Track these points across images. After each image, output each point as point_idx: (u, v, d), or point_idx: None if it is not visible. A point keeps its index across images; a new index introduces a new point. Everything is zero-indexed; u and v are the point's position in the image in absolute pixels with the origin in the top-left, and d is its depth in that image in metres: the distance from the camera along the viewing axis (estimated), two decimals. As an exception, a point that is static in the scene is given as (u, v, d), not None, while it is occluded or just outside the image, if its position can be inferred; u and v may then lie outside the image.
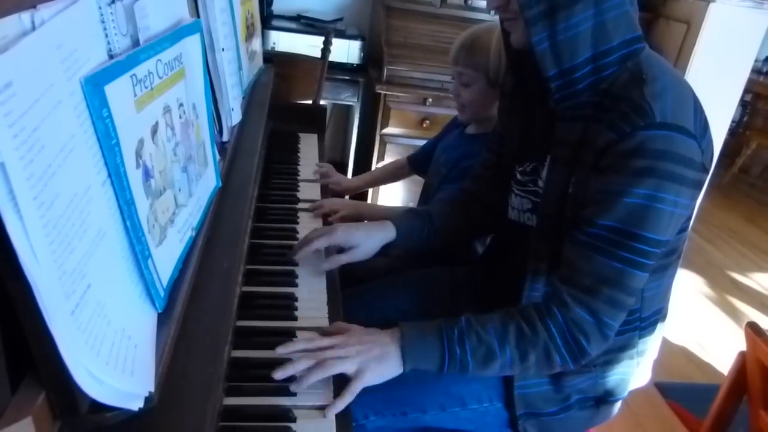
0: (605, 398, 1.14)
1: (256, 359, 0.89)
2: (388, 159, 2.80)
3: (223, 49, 1.23)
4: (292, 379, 0.85)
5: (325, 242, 1.16)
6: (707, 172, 0.95)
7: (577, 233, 0.94)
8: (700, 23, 2.78)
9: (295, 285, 1.10)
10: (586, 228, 0.92)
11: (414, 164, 1.78)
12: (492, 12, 1.03)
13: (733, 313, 2.98)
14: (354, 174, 3.06)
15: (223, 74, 1.22)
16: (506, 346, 0.92)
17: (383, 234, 1.22)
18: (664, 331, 1.20)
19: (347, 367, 0.87)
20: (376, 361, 0.90)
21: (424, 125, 2.73)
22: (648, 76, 0.91)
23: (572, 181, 0.98)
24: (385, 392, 1.08)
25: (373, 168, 2.82)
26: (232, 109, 1.24)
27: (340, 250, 1.21)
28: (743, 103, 4.95)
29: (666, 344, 2.63)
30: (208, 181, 0.92)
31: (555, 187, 1.02)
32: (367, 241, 1.19)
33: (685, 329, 2.76)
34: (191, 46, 0.89)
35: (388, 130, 2.76)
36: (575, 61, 0.93)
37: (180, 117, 0.80)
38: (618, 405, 1.19)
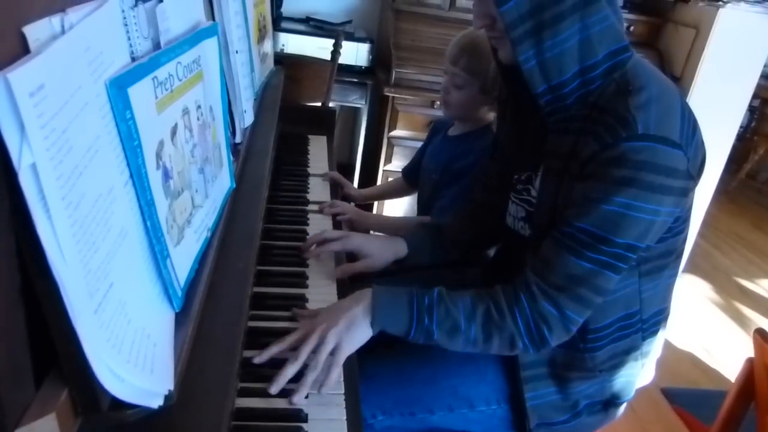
0: (613, 401, 1.16)
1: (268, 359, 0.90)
2: (396, 162, 2.81)
3: (237, 52, 1.24)
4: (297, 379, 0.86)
5: (340, 246, 1.19)
6: (694, 178, 0.96)
7: (555, 231, 0.96)
8: (709, 28, 2.77)
9: (306, 286, 1.11)
10: (563, 227, 0.94)
11: (407, 177, 1.77)
12: (479, 30, 1.03)
13: (740, 319, 2.98)
14: (361, 177, 3.07)
15: (237, 76, 1.23)
16: (472, 324, 0.95)
17: (395, 248, 1.25)
18: (666, 331, 1.20)
19: (327, 349, 0.89)
20: (345, 330, 0.91)
21: (432, 128, 2.74)
22: (633, 87, 0.92)
23: (561, 192, 0.99)
24: (394, 392, 1.09)
25: (380, 171, 2.83)
26: (245, 111, 1.25)
27: (351, 257, 1.23)
28: (751, 109, 4.93)
29: (672, 349, 2.64)
30: (223, 183, 0.93)
31: (547, 197, 1.03)
32: (380, 253, 1.22)
33: (692, 335, 2.76)
34: (209, 48, 0.89)
35: (395, 133, 2.76)
36: (563, 77, 0.94)
37: (198, 119, 0.81)
38: (624, 405, 1.20)
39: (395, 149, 2.79)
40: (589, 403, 1.13)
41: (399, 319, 0.95)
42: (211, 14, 1.13)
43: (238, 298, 0.81)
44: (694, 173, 0.95)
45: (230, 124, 1.18)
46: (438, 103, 2.68)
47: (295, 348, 0.89)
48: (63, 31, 0.49)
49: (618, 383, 1.13)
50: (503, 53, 1.02)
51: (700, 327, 2.81)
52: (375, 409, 1.07)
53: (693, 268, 3.35)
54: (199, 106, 0.82)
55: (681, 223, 1.02)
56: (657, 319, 1.12)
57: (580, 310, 0.95)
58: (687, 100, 2.88)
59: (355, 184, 3.08)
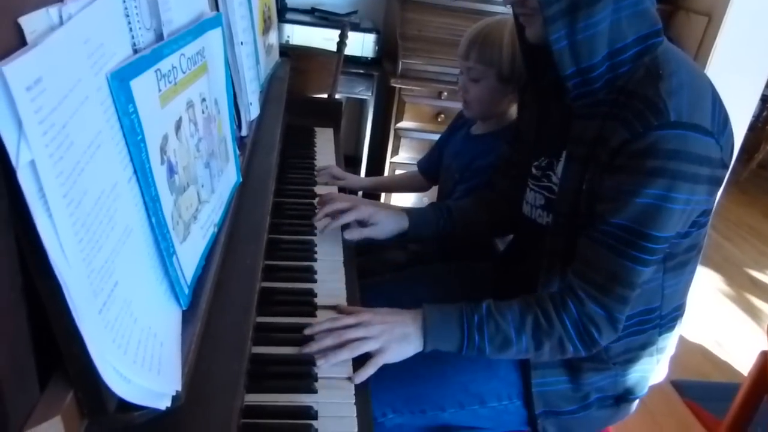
0: (625, 396, 1.13)
1: (275, 355, 0.89)
2: (403, 153, 2.79)
3: (242, 43, 1.22)
4: (313, 377, 0.86)
5: (353, 216, 1.22)
6: (727, 167, 0.94)
7: (592, 230, 0.94)
8: (721, 16, 2.73)
9: (314, 281, 1.09)
10: (600, 225, 0.93)
11: (424, 172, 1.71)
12: (508, 5, 1.01)
13: (752, 311, 2.95)
14: (368, 168, 3.05)
15: (242, 68, 1.21)
16: (522, 335, 0.96)
17: (399, 220, 1.26)
18: (681, 327, 1.18)
19: (371, 346, 0.92)
20: (397, 340, 0.94)
21: (439, 119, 2.72)
22: (664, 72, 0.90)
23: (586, 178, 0.97)
24: (404, 389, 1.08)
25: (387, 163, 2.80)
26: (251, 104, 1.24)
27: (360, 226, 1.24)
28: (763, 98, 4.86)
29: (683, 342, 2.61)
30: (230, 177, 0.92)
31: (570, 184, 1.01)
32: (386, 221, 1.24)
33: (703, 327, 2.73)
34: (213, 40, 0.88)
35: (402, 124, 2.74)
36: (593, 60, 0.92)
37: (203, 112, 0.80)
38: (637, 402, 1.18)
39: (402, 141, 2.77)
40: (601, 397, 1.11)
41: (450, 339, 0.97)
42: (215, 5, 1.11)
43: (246, 295, 0.79)
44: (727, 161, 0.93)
45: (236, 117, 1.16)
46: (445, 94, 2.66)
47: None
48: (61, 23, 0.47)
49: (632, 378, 1.11)
50: (532, 31, 1.00)
51: (712, 319, 2.77)
52: (385, 407, 1.06)
53: (704, 259, 3.27)
54: (203, 99, 0.81)
55: (706, 215, 1.00)
56: (675, 314, 1.10)
57: (622, 309, 0.95)
58: None
59: (363, 175, 3.06)
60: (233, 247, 0.85)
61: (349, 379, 0.88)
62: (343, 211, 1.23)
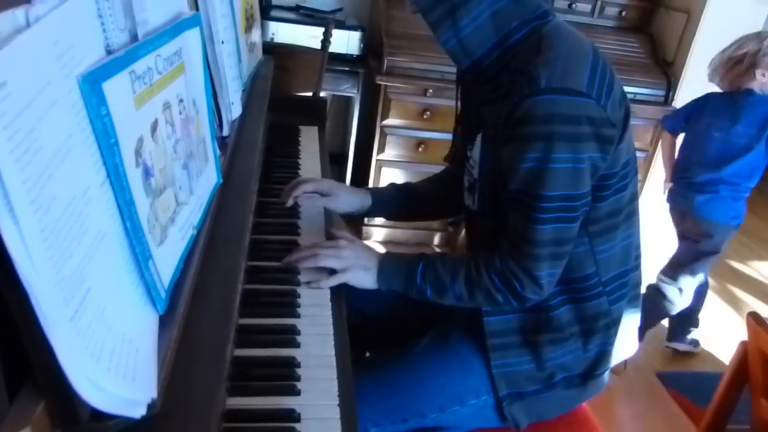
0: (591, 373, 1.15)
1: (258, 358, 0.88)
2: (389, 151, 2.78)
3: (222, 42, 1.21)
4: (296, 378, 0.86)
5: (313, 187, 1.29)
6: (618, 127, 0.99)
7: (505, 198, 1.04)
8: (700, 13, 2.78)
9: (297, 283, 1.08)
10: (505, 194, 1.02)
11: None
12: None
13: (734, 302, 2.98)
14: (354, 166, 3.03)
15: (223, 67, 1.20)
16: (456, 283, 1.06)
17: (362, 199, 1.34)
18: (639, 303, 1.22)
19: (337, 263, 1.08)
20: (360, 269, 1.09)
21: (425, 116, 2.71)
22: (544, 47, 0.97)
23: (497, 159, 1.04)
24: (383, 403, 1.09)
25: (373, 160, 2.79)
26: (233, 103, 1.22)
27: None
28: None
29: (664, 333, 2.64)
30: (209, 178, 0.90)
31: (487, 165, 1.07)
32: (347, 197, 1.32)
33: None
34: (191, 39, 0.86)
35: (388, 122, 2.73)
36: (483, 50, 1.01)
37: (180, 113, 0.79)
38: (606, 376, 1.20)
39: (388, 138, 2.76)
40: (566, 377, 1.13)
41: (398, 280, 1.09)
42: (195, 4, 1.10)
43: (227, 298, 0.78)
44: (616, 121, 0.98)
45: (217, 117, 1.15)
46: (431, 91, 2.66)
47: None
48: (28, 25, 0.46)
49: (593, 353, 1.13)
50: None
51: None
52: (366, 423, 1.06)
53: None
54: (181, 100, 0.79)
55: (620, 179, 1.04)
56: (620, 282, 1.12)
57: (538, 265, 1.00)
58: (679, 84, 2.88)
59: (349, 173, 3.05)
60: (213, 249, 0.84)
61: (309, 283, 1.06)
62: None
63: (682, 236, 2.36)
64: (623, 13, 3.02)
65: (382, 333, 1.37)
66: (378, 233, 2.95)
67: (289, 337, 0.92)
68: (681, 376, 2.41)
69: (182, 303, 0.69)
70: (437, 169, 1.45)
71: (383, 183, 2.80)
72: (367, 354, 1.56)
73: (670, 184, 2.36)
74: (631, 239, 1.13)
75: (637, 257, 1.18)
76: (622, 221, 1.09)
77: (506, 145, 0.99)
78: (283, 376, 0.85)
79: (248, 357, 0.86)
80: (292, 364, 0.87)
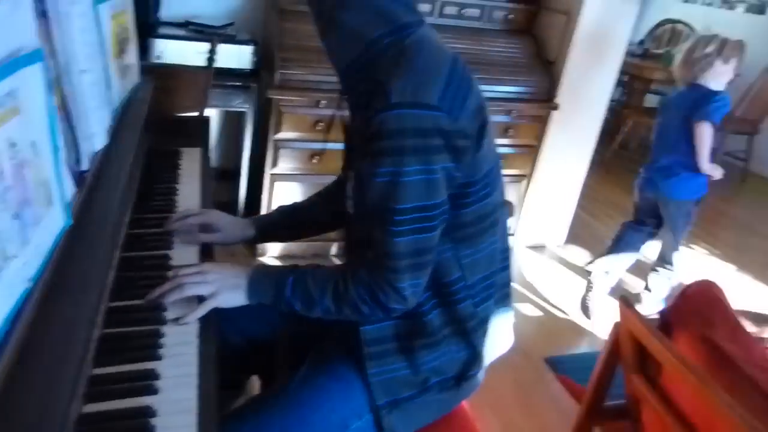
0: (464, 374, 1.18)
1: (108, 412, 0.82)
2: (282, 164, 2.74)
3: (84, 71, 1.16)
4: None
5: (199, 220, 1.31)
6: (470, 137, 1.01)
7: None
8: (577, 13, 2.99)
9: (163, 321, 1.04)
10: (362, 208, 1.05)
11: None
12: None
13: (616, 285, 3.11)
14: (249, 182, 2.98)
15: (83, 97, 1.14)
16: (324, 297, 1.06)
17: (244, 229, 1.37)
18: (510, 300, 1.27)
19: (204, 290, 1.05)
20: (229, 288, 1.07)
21: (318, 127, 2.70)
22: (401, 60, 1.00)
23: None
24: None
25: (266, 175, 2.74)
26: (94, 134, 1.17)
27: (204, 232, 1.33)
28: (622, 84, 5.28)
29: (553, 319, 2.80)
30: (53, 223, 0.86)
31: (357, 173, 1.09)
32: (231, 229, 1.34)
33: (571, 302, 2.93)
34: (30, 77, 0.82)
35: (281, 135, 2.70)
36: (348, 61, 1.05)
37: (11, 159, 0.74)
38: (480, 376, 1.24)
39: (281, 152, 2.73)
40: (441, 380, 1.15)
41: (267, 293, 1.09)
42: (48, 35, 1.04)
43: (67, 351, 0.74)
44: (470, 132, 1.01)
45: (74, 151, 1.10)
46: (324, 102, 2.65)
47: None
48: None
49: (464, 354, 1.16)
50: None
51: (577, 294, 2.94)
52: None
53: (573, 238, 3.55)
54: (14, 144, 0.75)
55: (482, 188, 1.07)
56: (486, 284, 1.15)
57: (400, 276, 1.02)
58: (561, 80, 3.10)
59: (243, 189, 3.00)
60: (55, 299, 0.79)
61: (177, 320, 1.01)
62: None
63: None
64: (509, 17, 3.16)
65: (270, 354, 1.35)
66: (273, 248, 2.91)
67: (145, 384, 0.89)
68: (568, 359, 2.54)
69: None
70: (332, 179, 1.45)
71: (277, 198, 2.78)
72: (257, 379, 1.54)
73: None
74: (496, 244, 1.16)
75: (505, 258, 1.21)
76: (488, 227, 1.12)
77: (362, 161, 1.01)
78: (135, 429, 0.81)
79: (98, 412, 0.81)
80: (146, 413, 0.84)
